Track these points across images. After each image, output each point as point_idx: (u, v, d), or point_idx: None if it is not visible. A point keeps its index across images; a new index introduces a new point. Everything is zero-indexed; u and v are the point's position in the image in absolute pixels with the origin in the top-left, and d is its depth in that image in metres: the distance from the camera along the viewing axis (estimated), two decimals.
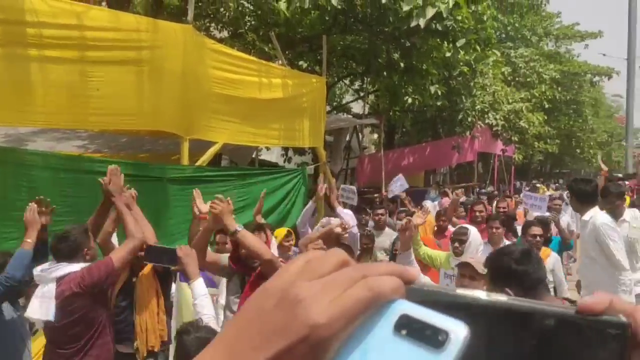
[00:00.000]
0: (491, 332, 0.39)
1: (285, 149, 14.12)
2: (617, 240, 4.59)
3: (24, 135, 6.39)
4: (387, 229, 6.69)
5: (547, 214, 7.29)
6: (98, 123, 4.96)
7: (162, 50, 4.90)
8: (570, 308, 0.39)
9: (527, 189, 16.88)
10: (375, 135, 17.45)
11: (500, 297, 0.40)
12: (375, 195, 10.63)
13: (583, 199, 4.80)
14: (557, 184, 29.38)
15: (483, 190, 16.93)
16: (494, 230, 5.43)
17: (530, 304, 0.39)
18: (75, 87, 4.32)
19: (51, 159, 4.36)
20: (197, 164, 5.64)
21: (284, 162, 14.86)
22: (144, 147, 8.01)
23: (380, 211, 6.84)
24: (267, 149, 12.50)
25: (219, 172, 6.08)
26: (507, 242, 5.30)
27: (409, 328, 0.37)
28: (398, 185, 8.47)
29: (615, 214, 5.11)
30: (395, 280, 0.40)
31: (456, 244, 4.69)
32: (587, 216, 4.70)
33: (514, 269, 2.24)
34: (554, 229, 6.98)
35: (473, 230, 4.74)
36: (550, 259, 5.15)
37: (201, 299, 2.85)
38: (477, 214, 6.46)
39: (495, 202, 9.06)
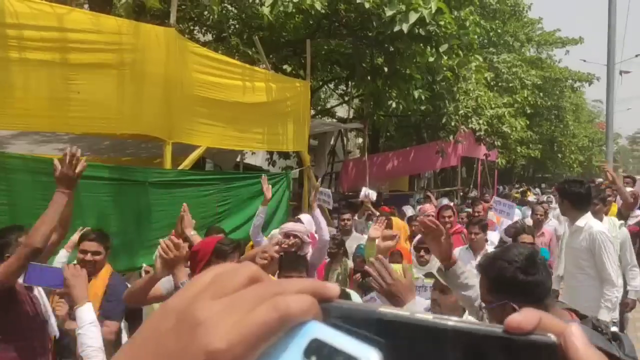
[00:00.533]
0: (414, 352, 0.37)
1: (270, 153, 14.11)
2: (613, 253, 4.31)
3: (3, 139, 6.29)
4: (354, 233, 6.56)
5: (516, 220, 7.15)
6: (78, 126, 4.90)
7: (144, 53, 4.87)
8: (498, 326, 0.36)
9: (478, 195, 16.94)
10: (360, 140, 17.50)
11: (425, 316, 0.37)
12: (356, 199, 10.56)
13: (577, 202, 4.39)
14: (538, 189, 29.67)
15: (471, 195, 17.05)
16: (474, 235, 5.29)
17: (456, 322, 0.37)
18: (56, 90, 4.28)
19: (31, 162, 4.30)
20: (180, 167, 5.61)
21: (269, 165, 14.85)
22: (127, 151, 7.95)
23: (346, 216, 6.64)
24: (252, 152, 12.49)
25: (202, 176, 6.06)
26: (488, 248, 5.22)
27: (319, 354, 0.34)
28: (363, 195, 8.27)
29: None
30: (307, 299, 0.35)
31: (421, 253, 4.45)
32: (581, 222, 4.36)
33: (521, 279, 1.90)
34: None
35: None
36: None
37: (87, 328, 2.47)
38: (447, 219, 6.20)
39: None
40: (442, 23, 7.44)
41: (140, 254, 4.85)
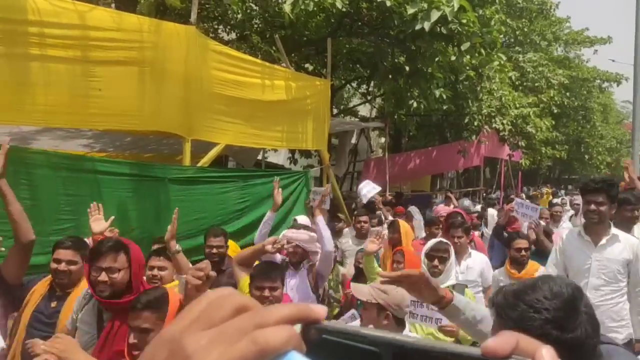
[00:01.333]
0: None
1: (292, 152, 14.15)
2: None
3: (27, 134, 6.43)
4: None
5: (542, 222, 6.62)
6: (99, 123, 4.98)
7: (165, 51, 4.92)
8: (475, 349, 0.36)
9: (501, 196, 16.49)
10: (383, 139, 17.43)
11: (405, 337, 0.38)
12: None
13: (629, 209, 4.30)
14: (564, 190, 29.11)
15: (492, 196, 16.81)
16: (456, 239, 4.79)
17: (433, 343, 0.37)
18: (77, 87, 4.35)
19: (53, 157, 4.38)
20: (199, 164, 5.66)
21: (290, 164, 14.89)
22: (148, 147, 8.05)
23: (363, 218, 6.30)
24: (275, 151, 12.54)
25: (221, 173, 6.08)
26: (472, 251, 4.96)
27: None
28: (365, 191, 7.62)
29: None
30: (285, 331, 0.37)
31: (435, 262, 3.84)
32: (615, 230, 3.88)
33: (555, 336, 1.27)
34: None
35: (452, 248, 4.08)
36: (539, 274, 4.52)
37: None
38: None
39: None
40: (464, 21, 7.34)
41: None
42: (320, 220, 4.32)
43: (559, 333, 1.28)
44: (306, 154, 13.56)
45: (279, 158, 15.68)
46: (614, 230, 3.81)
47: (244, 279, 3.34)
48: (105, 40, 4.52)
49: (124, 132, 7.03)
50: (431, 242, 4.04)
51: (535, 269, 4.77)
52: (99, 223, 3.57)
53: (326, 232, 4.23)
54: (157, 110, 4.95)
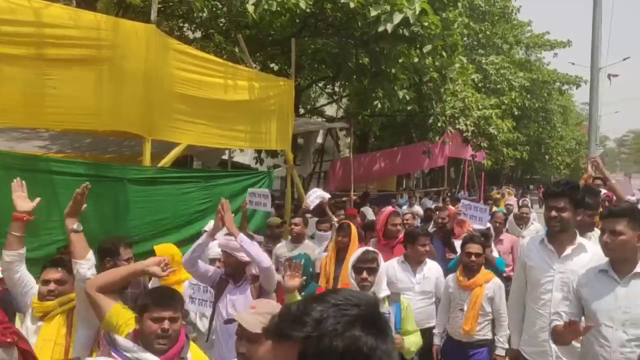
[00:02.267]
0: None
1: (258, 151, 14.10)
2: None
3: None
4: (306, 241, 5.86)
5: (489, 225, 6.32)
6: (55, 122, 4.87)
7: (124, 50, 4.84)
8: None
9: (466, 195, 16.46)
10: (349, 139, 17.57)
11: None
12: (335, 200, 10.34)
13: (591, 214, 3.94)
14: (522, 190, 29.79)
15: (458, 196, 17.07)
16: (421, 247, 4.56)
17: None
18: (32, 86, 4.24)
19: (5, 157, 4.26)
20: (160, 165, 5.59)
21: (256, 164, 14.84)
22: (108, 149, 7.90)
23: (295, 221, 5.81)
24: (241, 151, 12.48)
25: (182, 174, 6.02)
26: (427, 260, 4.69)
27: None
28: (313, 198, 7.23)
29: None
30: None
31: (364, 275, 3.33)
32: (580, 237, 3.48)
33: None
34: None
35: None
36: (491, 285, 4.38)
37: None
38: (397, 226, 5.38)
39: None
40: (426, 24, 7.47)
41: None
42: (242, 238, 3.53)
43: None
44: (272, 153, 13.54)
45: (245, 158, 15.60)
46: (580, 239, 3.40)
47: (114, 307, 2.60)
48: (62, 38, 4.42)
49: (83, 133, 6.89)
50: (357, 253, 3.48)
51: (486, 279, 4.41)
52: (25, 201, 3.20)
53: (253, 248, 3.51)
54: (116, 109, 4.87)
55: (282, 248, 5.80)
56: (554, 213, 3.30)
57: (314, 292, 3.64)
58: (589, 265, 3.12)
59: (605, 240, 2.86)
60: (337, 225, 5.67)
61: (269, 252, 5.37)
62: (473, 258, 4.41)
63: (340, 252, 4.95)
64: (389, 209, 5.93)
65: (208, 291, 3.90)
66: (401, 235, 5.24)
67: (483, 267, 4.50)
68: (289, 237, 5.94)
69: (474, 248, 4.45)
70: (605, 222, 2.95)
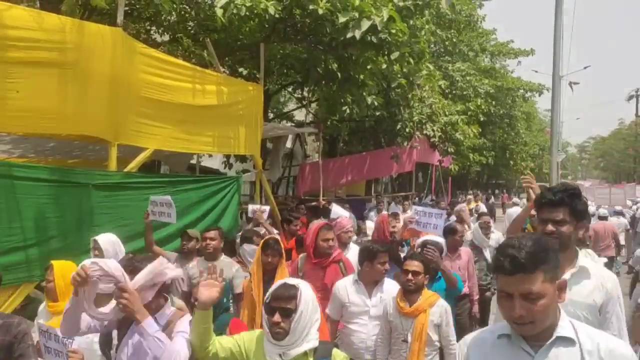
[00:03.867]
0: None
1: (227, 156, 14.02)
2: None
3: None
4: (222, 257, 5.10)
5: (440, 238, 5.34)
6: (17, 126, 4.74)
7: (89, 53, 4.76)
8: None
9: (430, 202, 15.52)
10: (318, 144, 17.64)
11: None
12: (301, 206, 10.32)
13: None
14: (485, 194, 30.24)
15: (427, 201, 17.24)
16: (380, 266, 4.03)
17: None
18: None
19: None
20: (126, 170, 5.50)
21: (225, 168, 14.75)
22: (73, 153, 7.75)
23: (210, 234, 5.03)
24: (210, 155, 12.39)
25: (148, 179, 5.93)
26: (386, 279, 4.15)
27: None
28: (251, 211, 6.95)
29: None
30: None
31: (276, 318, 2.46)
32: (584, 259, 2.74)
33: None
34: None
35: None
36: (437, 309, 3.82)
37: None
38: (328, 242, 4.61)
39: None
40: (393, 31, 7.57)
41: (82, 258, 4.72)
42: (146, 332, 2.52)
43: None
44: (241, 158, 13.48)
45: (214, 162, 15.50)
46: (582, 259, 2.66)
47: None
48: (24, 40, 4.32)
49: (47, 137, 6.73)
50: (274, 286, 2.57)
51: (430, 303, 3.83)
52: None
53: (142, 274, 2.58)
54: (81, 113, 4.78)
55: (195, 268, 4.91)
56: (550, 227, 2.58)
57: (228, 323, 3.16)
58: (593, 295, 2.53)
59: (549, 230, 2.56)
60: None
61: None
62: (410, 277, 3.82)
63: (268, 273, 4.19)
64: (320, 222, 4.98)
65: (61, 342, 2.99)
66: (336, 253, 4.63)
67: (425, 289, 3.95)
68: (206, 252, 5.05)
69: (413, 266, 3.86)
70: (543, 212, 2.63)
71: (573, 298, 2.49)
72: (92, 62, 4.82)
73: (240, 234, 6.34)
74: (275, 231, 6.50)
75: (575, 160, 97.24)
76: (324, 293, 4.26)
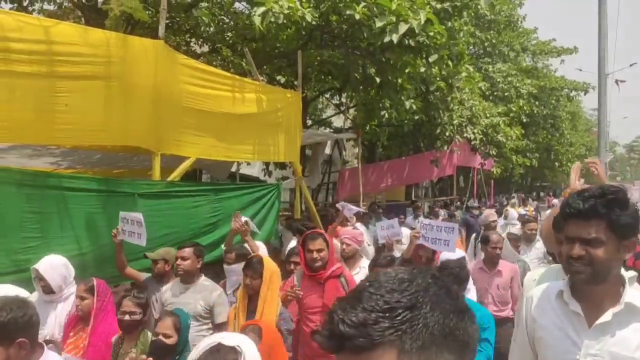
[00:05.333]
0: None
1: (267, 164, 14.15)
2: None
3: None
4: (201, 279, 4.31)
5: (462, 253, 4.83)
6: (66, 138, 4.92)
7: (132, 66, 4.89)
8: None
9: (476, 203, 15.26)
10: (356, 149, 17.59)
11: None
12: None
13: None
14: (530, 197, 29.33)
15: (474, 204, 16.74)
16: None
17: None
18: (43, 102, 4.29)
19: (15, 174, 4.31)
20: (169, 179, 5.61)
21: (265, 176, 14.88)
22: (118, 164, 7.97)
23: (184, 253, 4.26)
24: (248, 163, 12.54)
25: (191, 187, 6.04)
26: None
27: None
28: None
29: None
30: None
31: None
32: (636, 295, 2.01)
33: None
34: None
35: None
36: None
37: None
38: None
39: None
40: (431, 34, 7.49)
41: (130, 264, 4.83)
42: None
43: None
44: (281, 165, 13.58)
45: (253, 170, 15.66)
46: (632, 293, 1.91)
47: None
48: (71, 55, 4.48)
49: (94, 149, 6.95)
50: (204, 349, 1.96)
51: None
52: None
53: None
54: (125, 124, 4.91)
55: (168, 292, 4.27)
56: (577, 251, 1.86)
57: None
58: None
59: (576, 255, 1.87)
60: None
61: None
62: None
63: (252, 300, 3.68)
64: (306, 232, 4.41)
65: None
66: (335, 267, 4.07)
67: None
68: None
69: None
70: (570, 226, 1.96)
71: (614, 350, 1.85)
72: (135, 75, 4.95)
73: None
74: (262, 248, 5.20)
75: (623, 160, 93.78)
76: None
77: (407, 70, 8.59)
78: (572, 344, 1.92)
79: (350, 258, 5.13)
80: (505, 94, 20.87)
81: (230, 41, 10.46)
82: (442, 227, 4.37)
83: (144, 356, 2.56)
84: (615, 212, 1.83)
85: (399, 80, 8.93)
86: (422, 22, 7.23)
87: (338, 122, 17.26)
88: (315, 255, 3.99)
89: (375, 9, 7.36)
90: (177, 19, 9.81)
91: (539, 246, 6.04)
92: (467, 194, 22.19)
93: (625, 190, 1.99)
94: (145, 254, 4.65)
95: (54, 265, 3.85)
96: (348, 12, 7.46)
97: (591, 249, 1.84)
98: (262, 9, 6.87)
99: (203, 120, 5.85)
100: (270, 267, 3.73)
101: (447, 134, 13.69)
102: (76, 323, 3.69)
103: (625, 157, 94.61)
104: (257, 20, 7.02)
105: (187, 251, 4.27)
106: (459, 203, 18.45)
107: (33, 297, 3.61)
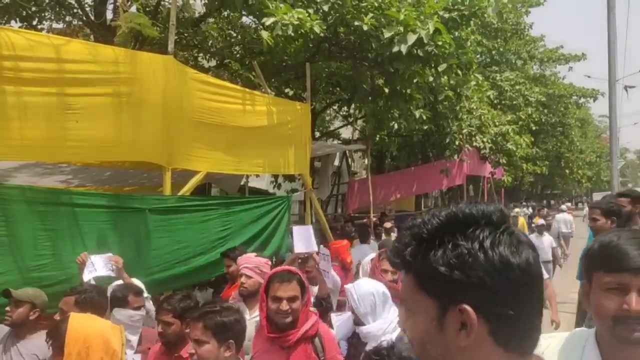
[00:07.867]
0: None
1: (275, 176, 14.14)
2: None
3: (4, 172, 6.32)
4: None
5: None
6: (77, 155, 4.92)
7: (142, 82, 4.90)
8: None
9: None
10: (366, 160, 17.58)
11: None
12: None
13: None
14: (537, 206, 28.91)
15: None
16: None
17: None
18: (54, 120, 4.30)
19: (27, 192, 4.30)
20: (180, 193, 5.59)
21: (274, 188, 14.87)
22: (129, 181, 7.97)
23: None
24: (257, 176, 12.54)
25: (202, 202, 6.02)
26: None
27: None
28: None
29: None
30: None
31: None
32: None
33: None
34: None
35: None
36: None
37: None
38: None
39: None
40: (440, 43, 7.46)
41: (141, 281, 4.81)
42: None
43: None
44: (290, 177, 13.56)
45: (262, 183, 15.66)
46: None
47: None
48: (82, 73, 4.49)
49: (104, 166, 6.95)
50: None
51: None
52: None
53: None
54: (136, 140, 4.90)
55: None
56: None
57: None
58: None
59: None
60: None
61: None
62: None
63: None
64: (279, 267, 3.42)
65: None
66: (309, 325, 2.88)
67: None
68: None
69: None
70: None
71: None
72: (145, 90, 4.95)
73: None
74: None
75: (635, 166, 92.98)
76: None
77: (415, 80, 8.56)
78: None
79: (250, 296, 3.75)
80: (514, 102, 20.79)
81: (238, 55, 10.49)
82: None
83: None
84: None
85: (408, 90, 8.90)
86: (431, 31, 7.22)
87: (346, 133, 17.25)
88: (284, 306, 2.80)
89: (383, 19, 7.36)
90: (185, 34, 9.87)
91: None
92: None
93: None
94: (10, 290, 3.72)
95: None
96: (356, 23, 7.47)
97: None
98: (272, 19, 6.87)
99: (214, 134, 5.84)
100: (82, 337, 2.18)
101: (456, 143, 13.63)
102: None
103: (636, 163, 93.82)
104: (264, 34, 7.04)
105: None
106: None
107: None
